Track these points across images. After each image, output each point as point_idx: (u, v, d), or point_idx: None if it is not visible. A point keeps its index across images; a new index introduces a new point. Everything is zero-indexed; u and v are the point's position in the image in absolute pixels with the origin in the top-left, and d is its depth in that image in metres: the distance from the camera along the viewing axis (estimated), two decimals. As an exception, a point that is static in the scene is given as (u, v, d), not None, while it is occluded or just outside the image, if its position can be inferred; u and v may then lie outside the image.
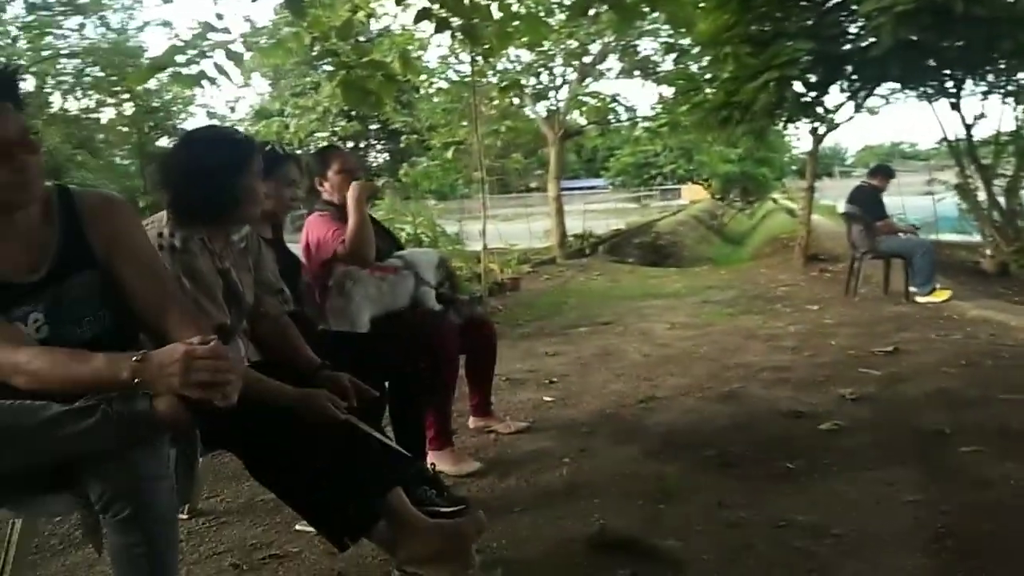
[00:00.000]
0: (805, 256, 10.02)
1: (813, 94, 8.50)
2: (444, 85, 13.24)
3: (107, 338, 1.60)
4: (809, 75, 8.14)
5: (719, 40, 8.21)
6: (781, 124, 9.46)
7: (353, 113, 16.48)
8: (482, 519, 2.01)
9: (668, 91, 11.88)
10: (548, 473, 2.80)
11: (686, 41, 9.90)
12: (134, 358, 1.41)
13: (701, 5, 7.86)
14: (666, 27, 11.08)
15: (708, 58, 9.11)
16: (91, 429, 1.41)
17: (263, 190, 2.03)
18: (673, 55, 11.05)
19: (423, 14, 4.09)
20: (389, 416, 2.44)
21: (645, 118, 14.25)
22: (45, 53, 16.45)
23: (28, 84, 15.52)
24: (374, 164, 28.58)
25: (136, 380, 1.40)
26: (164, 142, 20.31)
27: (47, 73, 16.63)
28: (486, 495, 2.62)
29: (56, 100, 16.87)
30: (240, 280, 2.06)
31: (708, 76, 9.30)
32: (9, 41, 16.20)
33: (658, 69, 12.86)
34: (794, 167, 27.10)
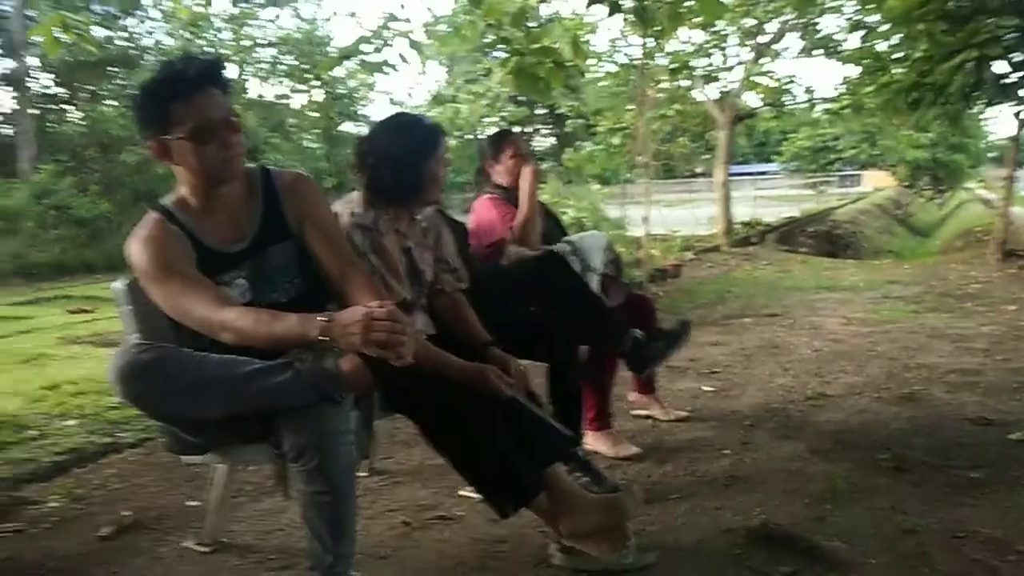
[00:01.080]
0: (1002, 251, 9.16)
1: (1017, 75, 7.72)
2: (612, 68, 13.11)
3: (301, 302, 1.76)
4: (1013, 54, 7.39)
5: (911, 17, 7.60)
6: (978, 108, 8.68)
7: (521, 98, 16.73)
8: (636, 496, 2.03)
9: (852, 71, 11.20)
10: (707, 463, 2.77)
11: (874, 18, 9.24)
12: (321, 318, 1.56)
13: (893, -20, 7.34)
14: (852, 3, 10.40)
15: (898, 36, 8.48)
16: (284, 383, 1.57)
17: (444, 174, 2.15)
18: (859, 33, 10.34)
19: (596, -1, 4.10)
20: (549, 396, 2.51)
21: (825, 99, 13.45)
22: (245, 43, 17.98)
23: (231, 72, 17.04)
24: (539, 148, 28.91)
25: (323, 337, 1.55)
26: (349, 127, 21.62)
27: (246, 61, 18.19)
28: (643, 480, 2.63)
29: (253, 86, 18.42)
30: (421, 258, 2.21)
31: (897, 55, 8.68)
32: (216, 32, 17.85)
33: (840, 48, 12.09)
34: (993, 154, 24.68)
